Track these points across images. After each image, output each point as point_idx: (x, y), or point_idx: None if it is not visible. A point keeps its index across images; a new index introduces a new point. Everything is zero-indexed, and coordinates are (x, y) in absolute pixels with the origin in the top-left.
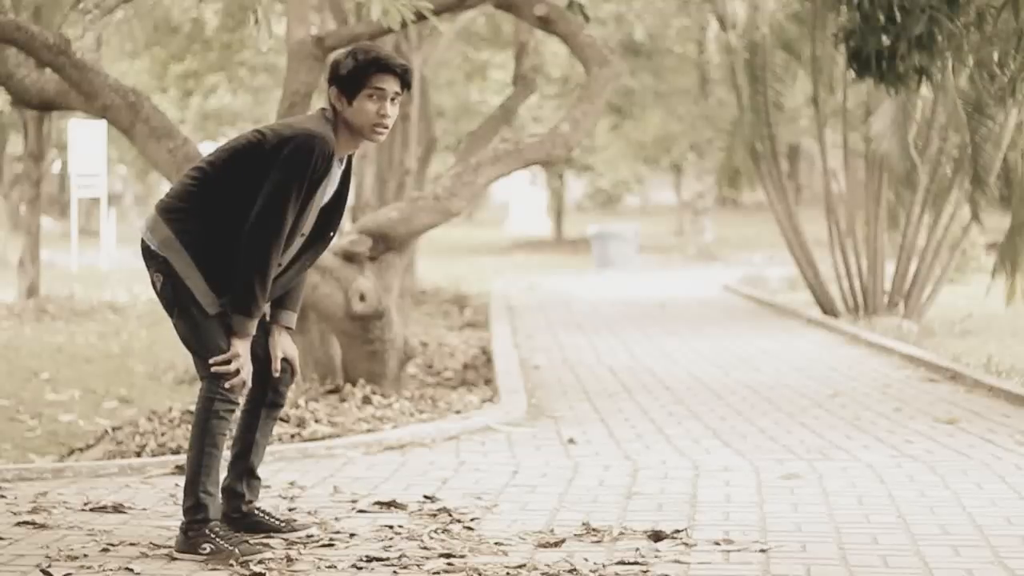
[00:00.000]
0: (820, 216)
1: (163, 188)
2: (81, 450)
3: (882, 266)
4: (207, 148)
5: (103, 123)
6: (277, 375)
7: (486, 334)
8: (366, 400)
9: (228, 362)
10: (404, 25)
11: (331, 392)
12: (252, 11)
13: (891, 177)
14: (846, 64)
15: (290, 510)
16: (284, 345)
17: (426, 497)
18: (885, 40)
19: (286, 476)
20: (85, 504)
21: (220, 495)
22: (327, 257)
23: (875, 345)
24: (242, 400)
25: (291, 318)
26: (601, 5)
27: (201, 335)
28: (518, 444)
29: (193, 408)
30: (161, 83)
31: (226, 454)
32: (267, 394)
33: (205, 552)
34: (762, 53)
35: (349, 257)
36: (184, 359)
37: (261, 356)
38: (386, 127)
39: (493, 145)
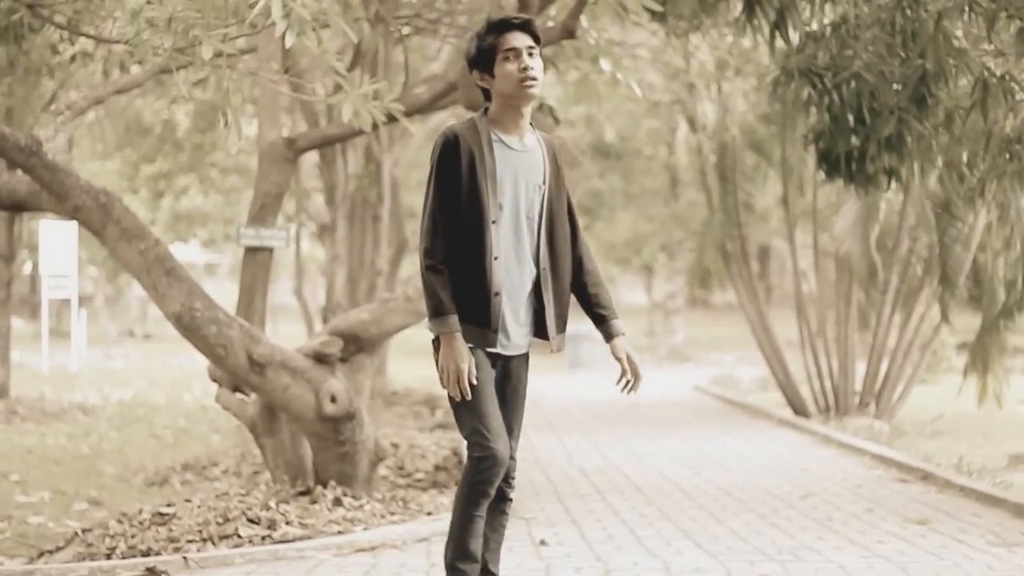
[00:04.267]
0: (791, 316)
1: (134, 290)
2: (51, 552)
3: (853, 366)
4: (178, 250)
5: (74, 224)
6: (627, 376)
7: (457, 435)
8: (337, 502)
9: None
10: (375, 127)
11: (302, 494)
12: (223, 112)
13: (859, 277)
14: (816, 165)
15: None
16: (624, 348)
17: None
18: (854, 141)
19: None
20: None
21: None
22: (298, 359)
23: (846, 445)
24: (493, 474)
25: (613, 326)
26: (571, 107)
27: (461, 404)
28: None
29: (163, 510)
30: (132, 184)
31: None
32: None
33: None
34: (732, 154)
35: (320, 358)
36: (154, 461)
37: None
38: (534, 79)
39: None
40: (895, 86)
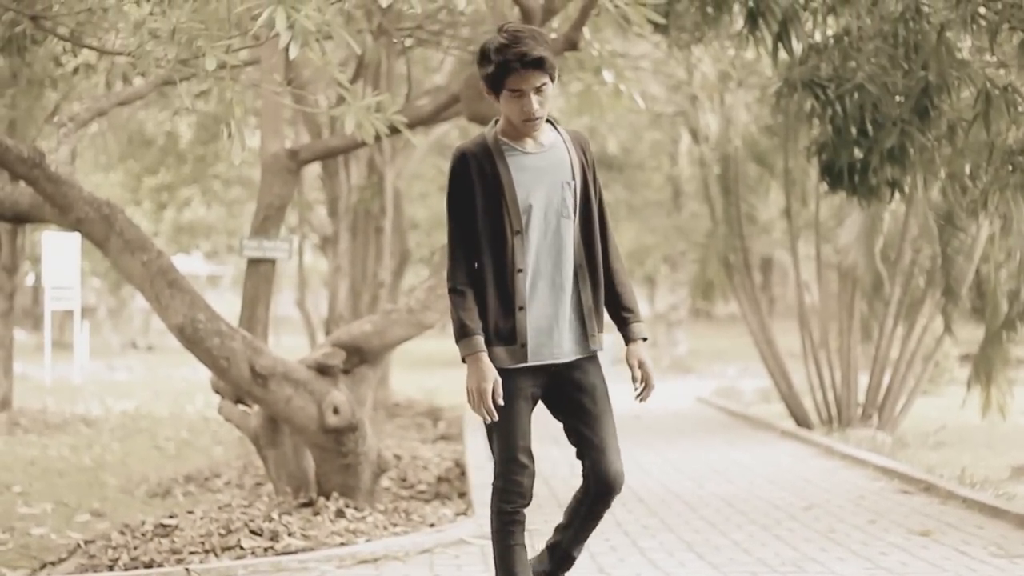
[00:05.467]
0: (793, 328)
1: (137, 301)
2: (53, 564)
3: (855, 378)
4: (180, 261)
5: (77, 235)
6: (637, 384)
7: (460, 447)
8: (340, 513)
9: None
10: (378, 139)
11: (304, 505)
12: (226, 124)
13: (863, 288)
14: (818, 177)
15: None
16: (637, 354)
17: None
18: (857, 153)
19: None
20: None
21: None
22: (300, 370)
23: (849, 457)
24: (515, 501)
25: (633, 329)
26: (574, 118)
27: (492, 429)
28: (492, 558)
29: (165, 521)
30: (135, 196)
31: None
32: (597, 485)
33: None
34: (735, 166)
35: (323, 370)
36: (156, 472)
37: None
38: (537, 118)
39: None
40: (898, 98)
